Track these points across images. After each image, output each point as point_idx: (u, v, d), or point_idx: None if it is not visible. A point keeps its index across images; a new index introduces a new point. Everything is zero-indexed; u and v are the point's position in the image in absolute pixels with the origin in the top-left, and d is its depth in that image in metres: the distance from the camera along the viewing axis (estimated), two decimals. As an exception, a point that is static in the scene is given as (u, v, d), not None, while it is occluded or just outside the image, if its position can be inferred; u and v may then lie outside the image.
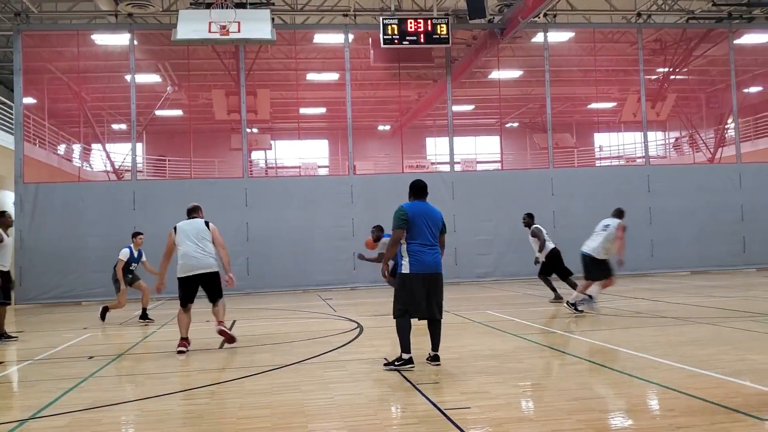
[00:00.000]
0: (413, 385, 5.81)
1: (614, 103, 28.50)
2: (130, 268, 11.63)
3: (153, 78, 23.28)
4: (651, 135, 24.08)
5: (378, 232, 11.69)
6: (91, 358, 8.15)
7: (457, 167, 22.29)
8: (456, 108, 26.37)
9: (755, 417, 4.44)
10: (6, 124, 21.24)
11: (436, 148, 29.81)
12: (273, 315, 12.74)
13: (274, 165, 30.75)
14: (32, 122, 20.79)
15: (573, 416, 4.67)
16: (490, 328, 9.42)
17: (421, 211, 6.62)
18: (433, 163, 29.51)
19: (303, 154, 31.38)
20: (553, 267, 12.42)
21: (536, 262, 12.65)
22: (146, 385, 6.59)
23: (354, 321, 10.55)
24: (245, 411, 5.21)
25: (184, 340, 8.33)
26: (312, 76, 24.34)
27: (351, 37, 19.70)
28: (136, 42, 19.04)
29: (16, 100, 18.26)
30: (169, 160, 27.92)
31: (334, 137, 32.04)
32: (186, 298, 8.37)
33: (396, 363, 6.52)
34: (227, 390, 6.04)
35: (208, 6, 16.69)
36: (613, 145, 32.48)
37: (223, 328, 8.49)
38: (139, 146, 25.41)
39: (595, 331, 8.80)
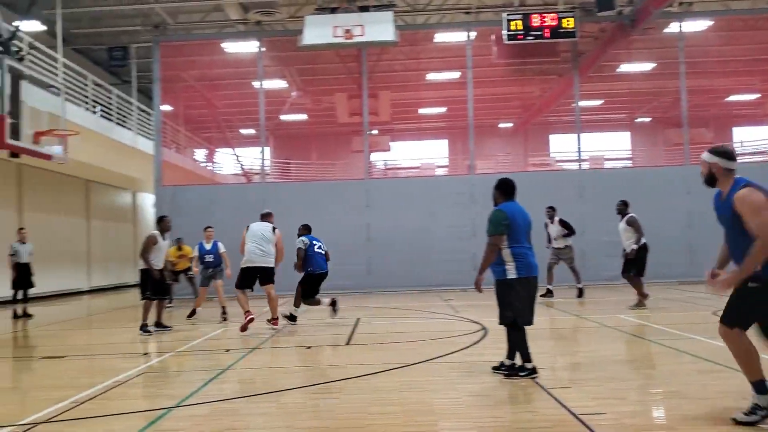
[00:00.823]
0: (543, 388, 5.66)
1: (757, 95, 26.57)
2: (205, 260, 12.47)
3: (279, 84, 24.17)
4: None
5: (303, 230, 11.01)
6: (228, 351, 8.55)
7: (584, 165, 21.56)
8: (583, 103, 25.55)
9: None
10: (146, 130, 22.82)
11: (561, 145, 29.00)
12: (394, 314, 12.85)
13: (393, 166, 31.08)
14: (169, 128, 22.17)
15: (715, 427, 4.38)
16: (622, 332, 9.03)
17: (520, 213, 6.38)
18: (558, 161, 28.76)
19: (422, 154, 31.59)
20: (640, 263, 11.62)
21: (626, 255, 11.77)
22: (279, 378, 6.83)
23: (477, 323, 10.44)
24: (376, 407, 5.27)
25: (248, 312, 9.88)
26: (432, 76, 24.37)
27: (473, 34, 19.54)
28: (263, 49, 19.82)
29: (156, 107, 19.52)
30: (293, 163, 28.92)
31: (453, 136, 31.91)
32: (243, 285, 10.12)
33: (520, 374, 6.14)
34: (356, 386, 6.14)
35: (333, 11, 17.10)
36: (756, 140, 30.23)
37: (271, 323, 10.28)
38: (267, 150, 26.42)
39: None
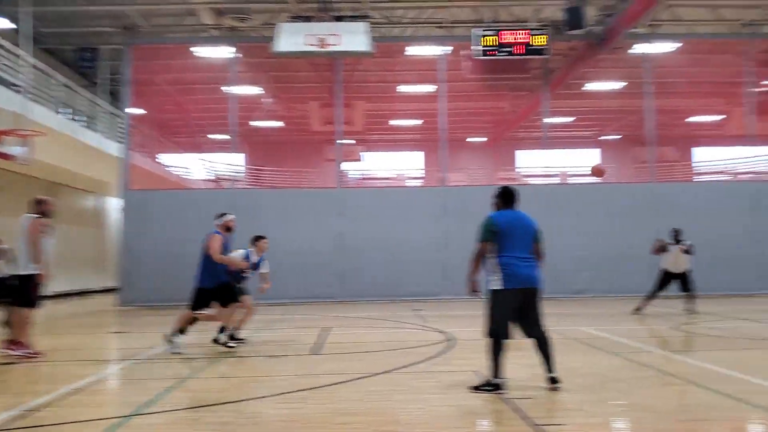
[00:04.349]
0: (507, 401, 5.71)
1: (718, 116, 27.19)
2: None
3: (253, 90, 24.09)
4: (759, 150, 22.73)
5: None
6: (190, 359, 8.45)
7: (552, 180, 21.88)
8: (552, 120, 25.89)
9: None
10: (114, 133, 22.54)
11: (529, 160, 29.34)
12: (364, 324, 12.85)
13: (366, 176, 31.14)
14: (139, 132, 21.91)
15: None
16: (588, 345, 9.15)
17: (514, 221, 6.14)
18: (524, 176, 29.11)
19: (396, 165, 31.73)
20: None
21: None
22: (241, 387, 6.78)
23: (445, 333, 10.49)
24: (340, 417, 5.26)
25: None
26: (406, 88, 24.52)
27: (446, 49, 19.73)
28: (237, 54, 19.77)
29: (125, 110, 19.31)
30: (267, 170, 28.78)
31: (427, 148, 32.11)
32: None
33: (483, 387, 5.98)
34: (321, 395, 6.13)
35: (307, 19, 17.14)
36: (716, 160, 30.90)
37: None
38: (241, 156, 26.27)
39: (696, 352, 8.39)
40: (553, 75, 21.17)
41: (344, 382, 6.65)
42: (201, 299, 8.86)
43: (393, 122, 29.13)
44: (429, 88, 22.97)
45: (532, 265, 6.11)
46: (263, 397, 6.12)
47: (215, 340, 9.18)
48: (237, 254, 9.51)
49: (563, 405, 5.59)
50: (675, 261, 13.12)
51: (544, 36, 17.89)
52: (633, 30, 18.53)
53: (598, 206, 18.88)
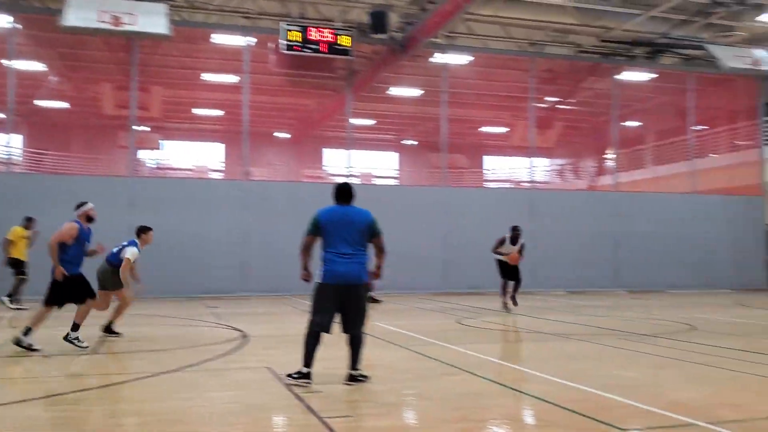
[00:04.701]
0: (296, 395, 5.72)
1: (506, 128, 29.60)
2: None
3: (36, 65, 21.94)
4: (538, 161, 25.12)
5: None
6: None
7: (355, 180, 22.41)
8: (356, 121, 26.50)
9: (617, 428, 4.67)
10: None
11: (334, 160, 29.85)
12: (153, 321, 12.22)
13: (164, 166, 29.76)
14: None
15: (450, 425, 4.75)
16: (377, 339, 9.46)
17: (338, 216, 6.21)
18: (330, 175, 29.58)
19: (197, 156, 30.61)
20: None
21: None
22: (8, 389, 6.12)
23: (239, 330, 10.30)
24: (114, 419, 4.94)
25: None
26: (209, 77, 23.76)
27: (251, 40, 19.42)
28: (17, 25, 17.90)
29: None
30: (50, 154, 26.37)
31: (230, 141, 31.31)
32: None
33: (294, 375, 6.05)
34: (97, 397, 5.72)
35: (102, -6, 15.97)
36: (502, 168, 33.71)
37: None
38: (18, 138, 23.82)
39: (474, 344, 9.03)
40: (357, 77, 21.70)
41: (126, 382, 6.26)
42: (60, 292, 8.04)
43: (195, 111, 28.10)
44: (233, 78, 22.48)
45: (352, 261, 6.13)
46: (32, 399, 5.57)
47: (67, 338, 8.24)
48: (131, 252, 9.23)
49: (351, 397, 5.72)
50: (509, 255, 13.84)
51: (349, 37, 18.27)
52: (432, 39, 19.55)
53: (393, 207, 19.66)
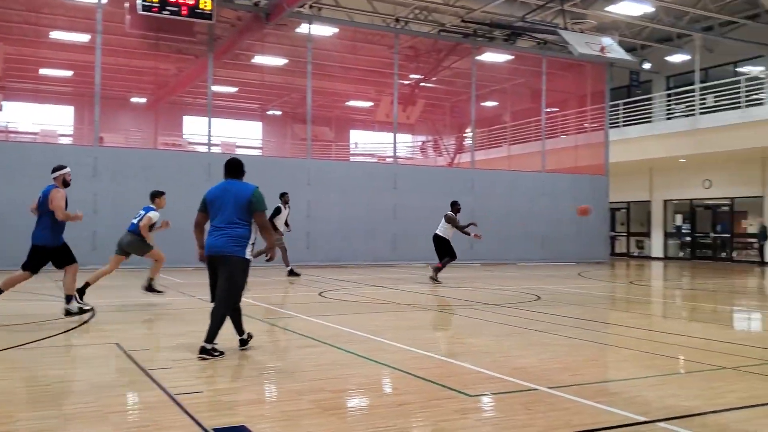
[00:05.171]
0: (144, 370, 5.51)
1: (371, 103, 29.85)
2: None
3: None
4: (400, 137, 25.55)
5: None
6: None
7: (216, 149, 21.75)
8: (217, 89, 25.69)
9: (465, 394, 4.91)
10: None
11: (195, 128, 28.78)
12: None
13: (4, 129, 27.44)
14: None
15: (305, 396, 4.77)
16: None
17: (220, 192, 6.30)
18: (190, 143, 28.52)
19: (42, 119, 28.38)
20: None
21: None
22: None
23: (88, 304, 9.74)
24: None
25: None
26: (57, 35, 22.02)
27: (105, -3, 18.18)
28: None
29: None
30: None
31: (80, 104, 29.30)
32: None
33: (214, 354, 6.02)
34: None
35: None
36: (367, 142, 34.06)
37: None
38: None
39: (334, 315, 9.12)
40: (219, 43, 20.97)
41: (-48, 362, 5.75)
42: (39, 258, 8.39)
43: (43, 72, 26.00)
44: (84, 37, 21.02)
45: (222, 234, 6.15)
46: None
47: (68, 311, 8.42)
48: (154, 215, 9.63)
49: (205, 373, 5.58)
50: (443, 228, 14.37)
51: (211, 0, 17.56)
52: (298, 9, 19.25)
53: (256, 178, 19.30)
